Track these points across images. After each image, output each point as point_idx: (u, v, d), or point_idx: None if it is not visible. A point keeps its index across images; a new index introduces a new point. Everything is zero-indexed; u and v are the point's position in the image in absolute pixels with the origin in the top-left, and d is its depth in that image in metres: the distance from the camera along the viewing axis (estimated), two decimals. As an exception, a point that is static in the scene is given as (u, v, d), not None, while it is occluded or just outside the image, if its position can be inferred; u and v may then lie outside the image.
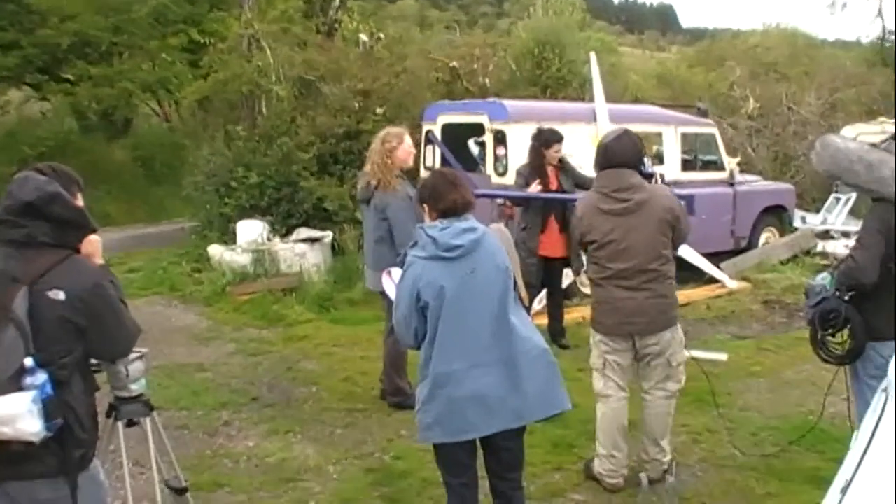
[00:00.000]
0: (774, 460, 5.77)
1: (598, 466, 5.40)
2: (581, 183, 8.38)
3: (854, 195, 13.28)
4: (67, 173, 3.44)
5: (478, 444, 4.10)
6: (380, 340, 7.42)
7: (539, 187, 8.20)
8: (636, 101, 17.63)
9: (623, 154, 5.18)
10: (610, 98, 11.64)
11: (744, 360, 8.18)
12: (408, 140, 6.82)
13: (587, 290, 10.02)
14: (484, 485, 4.29)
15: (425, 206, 4.17)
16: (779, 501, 5.20)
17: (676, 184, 9.79)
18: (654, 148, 11.28)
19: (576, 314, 9.37)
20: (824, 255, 12.37)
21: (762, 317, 10.02)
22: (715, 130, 12.41)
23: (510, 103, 10.82)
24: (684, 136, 11.74)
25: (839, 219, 13.75)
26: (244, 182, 12.50)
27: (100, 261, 3.38)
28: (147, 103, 22.43)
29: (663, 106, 13.56)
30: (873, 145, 4.52)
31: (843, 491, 2.22)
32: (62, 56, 18.03)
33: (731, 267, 11.59)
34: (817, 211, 14.33)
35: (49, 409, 2.97)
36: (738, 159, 13.19)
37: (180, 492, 4.37)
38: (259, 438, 6.40)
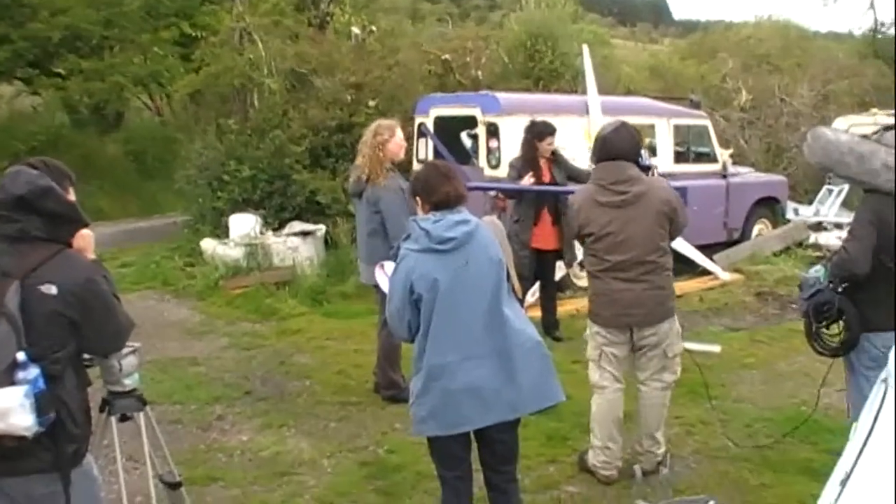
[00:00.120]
0: (768, 451, 5.79)
1: (593, 458, 5.41)
2: (574, 175, 8.38)
3: (846, 187, 13.32)
4: (59, 168, 3.42)
5: (472, 436, 4.10)
6: (373, 333, 7.41)
7: (532, 180, 8.19)
8: (629, 93, 17.58)
9: (621, 146, 5.18)
10: (602, 90, 11.63)
11: (737, 352, 8.20)
12: (399, 133, 6.81)
13: (580, 283, 10.08)
14: (478, 477, 4.29)
15: (418, 198, 4.16)
16: (773, 492, 5.21)
17: (669, 176, 9.76)
18: (647, 140, 11.26)
19: (569, 306, 9.40)
20: (817, 246, 12.41)
21: (755, 308, 10.04)
22: (707, 122, 12.42)
23: (503, 96, 10.82)
24: (677, 128, 11.75)
25: (832, 210, 13.79)
26: (236, 176, 12.47)
27: (92, 255, 3.36)
28: (139, 97, 22.35)
29: (656, 98, 13.57)
30: (864, 137, 4.53)
31: (843, 483, 2.21)
32: (53, 50, 17.94)
33: (723, 259, 11.60)
34: (810, 202, 14.37)
35: (41, 404, 2.97)
36: (730, 151, 13.22)
37: (174, 486, 4.35)
38: (253, 432, 6.40)
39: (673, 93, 17.30)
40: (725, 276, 11.06)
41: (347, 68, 13.23)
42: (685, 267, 10.65)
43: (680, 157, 11.69)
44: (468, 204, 4.16)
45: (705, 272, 11.07)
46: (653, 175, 5.46)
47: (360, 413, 6.76)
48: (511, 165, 8.49)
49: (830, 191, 13.99)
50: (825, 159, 4.63)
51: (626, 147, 5.19)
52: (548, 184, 8.30)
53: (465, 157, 10.51)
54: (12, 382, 2.92)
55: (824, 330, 4.68)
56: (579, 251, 8.65)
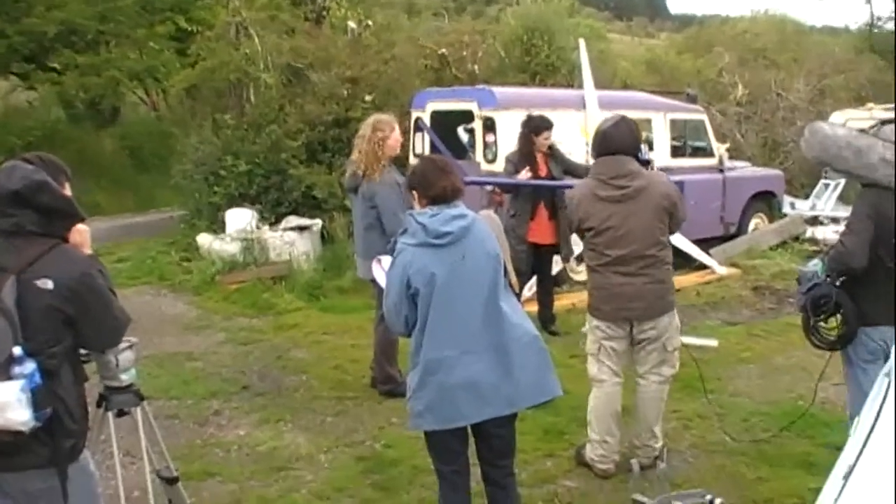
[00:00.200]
0: (765, 445, 5.79)
1: (590, 452, 5.41)
2: (570, 170, 8.39)
3: (843, 181, 13.33)
4: (55, 162, 3.42)
5: (469, 431, 4.10)
6: (370, 328, 7.41)
7: (528, 174, 8.19)
8: (625, 87, 17.60)
9: (621, 141, 5.18)
10: (599, 85, 11.63)
11: (734, 346, 8.20)
12: (397, 129, 6.80)
13: (577, 277, 10.09)
14: (476, 472, 4.29)
15: (415, 192, 4.16)
16: (769, 486, 5.22)
17: (666, 170, 9.77)
18: (644, 134, 11.26)
19: (566, 301, 9.40)
20: (813, 240, 12.43)
21: (752, 303, 10.05)
22: (704, 117, 12.43)
23: (499, 90, 10.81)
24: (673, 123, 11.75)
25: (828, 205, 13.81)
26: (233, 170, 12.45)
27: (88, 250, 3.36)
28: (134, 92, 22.27)
29: (652, 92, 13.57)
30: (862, 131, 4.53)
31: (846, 477, 2.21)
32: (49, 45, 17.85)
33: (720, 253, 11.62)
34: (806, 197, 14.38)
35: (38, 399, 2.96)
36: (727, 145, 13.20)
37: (171, 481, 4.35)
38: (250, 427, 6.39)
39: (669, 87, 17.29)
40: (722, 270, 11.07)
41: (344, 63, 13.22)
42: (682, 261, 10.65)
43: (676, 152, 11.70)
44: (465, 199, 4.16)
45: (702, 266, 11.08)
46: (653, 169, 5.46)
47: (357, 408, 6.76)
48: (508, 160, 8.48)
49: (827, 185, 14.00)
50: (823, 154, 4.63)
51: (625, 141, 5.19)
52: (544, 178, 8.30)
53: (462, 151, 10.49)
54: (9, 377, 2.92)
55: (822, 324, 4.68)
56: (576, 246, 8.68)
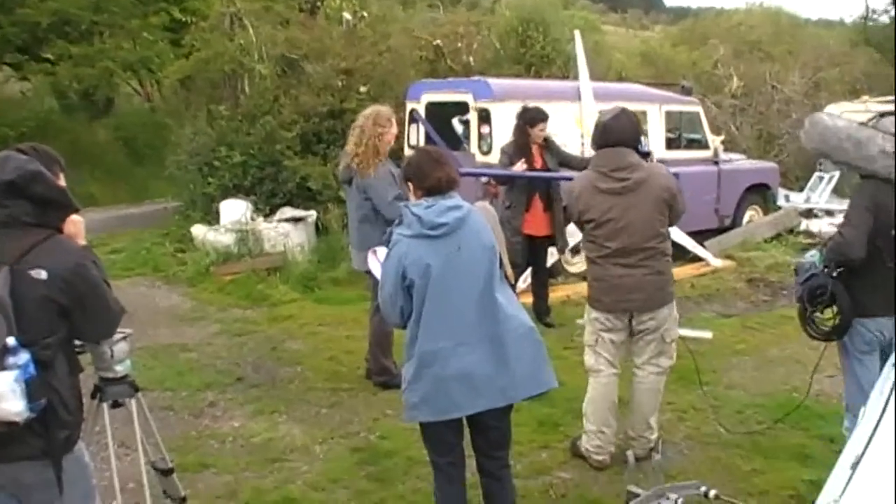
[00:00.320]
0: (760, 437, 5.81)
1: (586, 443, 5.42)
2: (565, 161, 8.38)
3: (837, 174, 13.38)
4: (49, 153, 3.41)
5: (465, 422, 4.10)
6: (365, 320, 7.40)
7: (524, 166, 8.17)
8: (620, 79, 17.56)
9: (621, 133, 5.19)
10: (594, 77, 11.61)
11: (728, 339, 8.22)
12: (395, 123, 6.80)
13: (572, 269, 10.10)
14: (471, 463, 4.29)
15: (410, 184, 4.15)
16: (764, 478, 5.23)
17: (661, 162, 9.78)
18: (639, 126, 11.27)
19: (560, 293, 9.41)
20: (808, 233, 12.46)
21: (746, 295, 10.06)
22: (699, 109, 12.43)
23: (494, 82, 10.78)
24: (668, 115, 11.75)
25: (822, 197, 13.84)
26: (227, 161, 12.44)
27: (83, 241, 3.34)
28: (128, 83, 22.22)
29: (648, 84, 13.54)
30: (862, 123, 4.54)
31: (854, 467, 2.22)
32: (42, 35, 17.81)
33: (715, 245, 11.63)
34: (800, 189, 14.41)
35: (32, 390, 2.94)
36: (722, 138, 13.21)
37: (166, 473, 4.35)
38: (244, 419, 6.39)
39: (664, 79, 17.28)
40: (717, 262, 11.09)
41: (338, 54, 13.19)
42: (676, 253, 10.54)
43: (671, 144, 11.70)
44: (460, 190, 4.15)
45: (696, 258, 11.09)
46: (652, 161, 5.46)
47: (352, 399, 6.76)
48: (503, 151, 8.46)
49: (821, 178, 14.03)
50: (822, 145, 4.65)
51: (626, 134, 5.20)
52: (539, 170, 8.29)
53: (457, 142, 10.49)
54: (2, 368, 2.90)
55: (818, 314, 4.69)
56: (571, 237, 8.68)
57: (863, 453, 2.23)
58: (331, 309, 9.38)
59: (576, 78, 11.44)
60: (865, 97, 14.54)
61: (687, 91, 13.00)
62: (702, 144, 12.17)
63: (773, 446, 5.66)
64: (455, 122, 10.79)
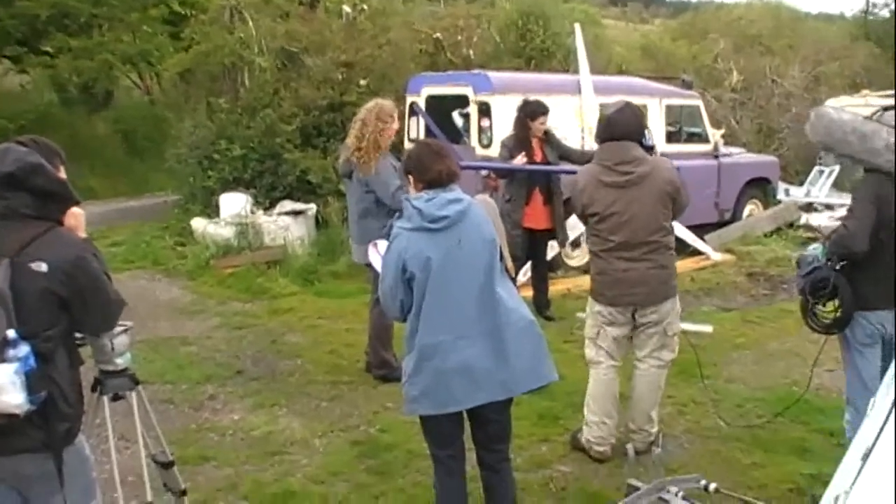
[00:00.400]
0: (760, 431, 5.82)
1: (587, 434, 5.43)
2: (566, 155, 8.37)
3: (837, 168, 13.36)
4: (49, 145, 3.41)
5: (465, 415, 4.09)
6: (364, 313, 7.40)
7: (524, 159, 8.17)
8: (620, 72, 17.54)
9: (625, 127, 5.18)
10: (594, 70, 11.59)
11: (729, 332, 8.22)
12: (397, 118, 6.80)
13: (572, 263, 10.10)
14: (471, 456, 4.29)
15: (410, 177, 4.14)
16: (764, 472, 5.24)
17: (661, 156, 9.79)
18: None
19: (560, 286, 9.40)
20: (808, 227, 12.44)
21: (746, 289, 10.06)
22: (699, 102, 12.41)
23: (494, 75, 10.78)
24: (669, 108, 11.74)
25: (822, 191, 13.82)
26: (227, 155, 12.43)
27: (83, 234, 3.34)
28: (128, 76, 22.15)
29: (648, 78, 13.53)
30: (867, 117, 4.56)
31: (864, 458, 2.22)
32: (41, 28, 17.75)
33: (715, 239, 11.63)
34: (801, 183, 14.38)
35: (32, 382, 2.94)
36: (722, 131, 13.20)
37: (166, 466, 4.35)
38: (244, 412, 6.39)
39: (665, 73, 17.26)
40: (717, 256, 11.09)
41: (338, 47, 13.17)
42: (677, 247, 10.60)
43: (672, 137, 11.69)
44: (460, 183, 4.14)
45: (696, 252, 11.09)
46: (655, 155, 5.46)
47: (352, 392, 6.76)
48: (503, 145, 8.46)
49: (821, 172, 14.01)
50: (827, 138, 4.66)
51: (630, 127, 5.20)
52: (540, 163, 8.29)
53: (457, 136, 10.49)
54: (3, 360, 2.90)
55: (819, 307, 4.70)
56: (571, 231, 8.68)
57: (873, 444, 2.23)
58: (331, 302, 9.38)
59: (576, 71, 11.43)
60: (865, 91, 14.57)
61: (687, 85, 12.99)
62: (702, 138, 12.16)
63: (772, 440, 5.67)
64: (455, 115, 10.79)
